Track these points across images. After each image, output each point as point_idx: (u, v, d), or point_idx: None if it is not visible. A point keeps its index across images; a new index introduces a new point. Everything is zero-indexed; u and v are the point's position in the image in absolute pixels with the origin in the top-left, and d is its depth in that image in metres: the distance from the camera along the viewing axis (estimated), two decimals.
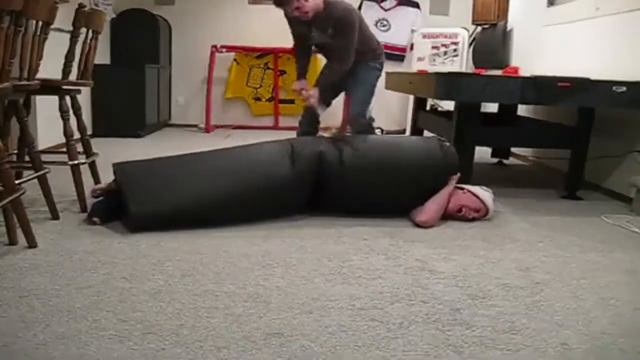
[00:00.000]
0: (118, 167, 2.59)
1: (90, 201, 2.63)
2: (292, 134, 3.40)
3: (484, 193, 2.81)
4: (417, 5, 6.36)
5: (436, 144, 2.86)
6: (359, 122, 3.39)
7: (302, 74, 3.45)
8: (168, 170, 2.60)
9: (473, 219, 2.75)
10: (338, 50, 3.22)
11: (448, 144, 2.92)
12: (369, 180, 2.70)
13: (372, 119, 3.49)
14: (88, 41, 2.82)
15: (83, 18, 2.65)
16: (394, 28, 6.39)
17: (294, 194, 2.67)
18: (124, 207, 2.44)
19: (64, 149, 2.70)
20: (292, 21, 3.29)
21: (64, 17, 2.75)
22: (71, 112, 2.73)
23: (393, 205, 2.76)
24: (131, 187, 2.47)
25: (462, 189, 2.82)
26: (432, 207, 2.68)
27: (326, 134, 2.95)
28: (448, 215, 2.74)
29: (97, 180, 2.98)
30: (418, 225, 2.63)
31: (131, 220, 2.39)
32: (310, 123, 3.47)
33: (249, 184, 2.56)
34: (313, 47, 3.48)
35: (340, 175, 2.68)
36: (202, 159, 2.69)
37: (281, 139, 2.86)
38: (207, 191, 2.49)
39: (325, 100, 3.41)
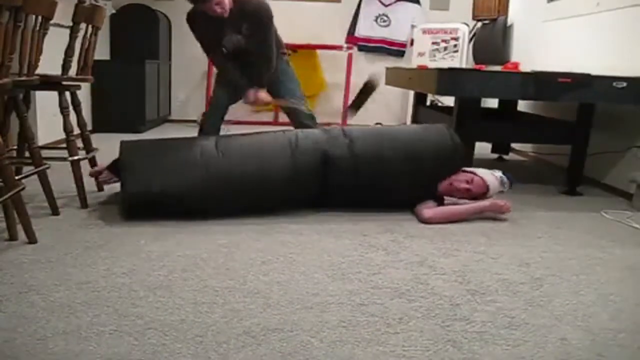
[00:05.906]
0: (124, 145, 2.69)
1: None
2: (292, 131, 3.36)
3: (485, 173, 2.78)
4: (417, 1, 6.35)
5: (445, 131, 2.85)
6: (311, 120, 3.23)
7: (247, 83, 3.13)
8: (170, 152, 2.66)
9: (468, 191, 2.72)
10: (259, 47, 3.00)
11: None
12: (375, 176, 2.70)
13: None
14: (88, 37, 2.81)
15: (83, 13, 2.65)
16: (394, 23, 6.39)
17: (292, 188, 2.67)
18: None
19: (64, 145, 2.71)
20: (200, 26, 3.00)
21: (63, 13, 2.74)
22: (71, 107, 2.73)
23: (397, 195, 2.76)
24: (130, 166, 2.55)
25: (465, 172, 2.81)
26: (441, 210, 2.67)
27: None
28: (441, 197, 2.75)
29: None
30: (420, 221, 2.64)
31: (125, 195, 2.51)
32: (215, 123, 3.26)
33: (244, 172, 2.57)
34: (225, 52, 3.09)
35: (348, 170, 2.67)
36: (201, 144, 2.71)
37: (284, 132, 2.83)
38: (199, 173, 2.54)
39: (233, 97, 3.23)
